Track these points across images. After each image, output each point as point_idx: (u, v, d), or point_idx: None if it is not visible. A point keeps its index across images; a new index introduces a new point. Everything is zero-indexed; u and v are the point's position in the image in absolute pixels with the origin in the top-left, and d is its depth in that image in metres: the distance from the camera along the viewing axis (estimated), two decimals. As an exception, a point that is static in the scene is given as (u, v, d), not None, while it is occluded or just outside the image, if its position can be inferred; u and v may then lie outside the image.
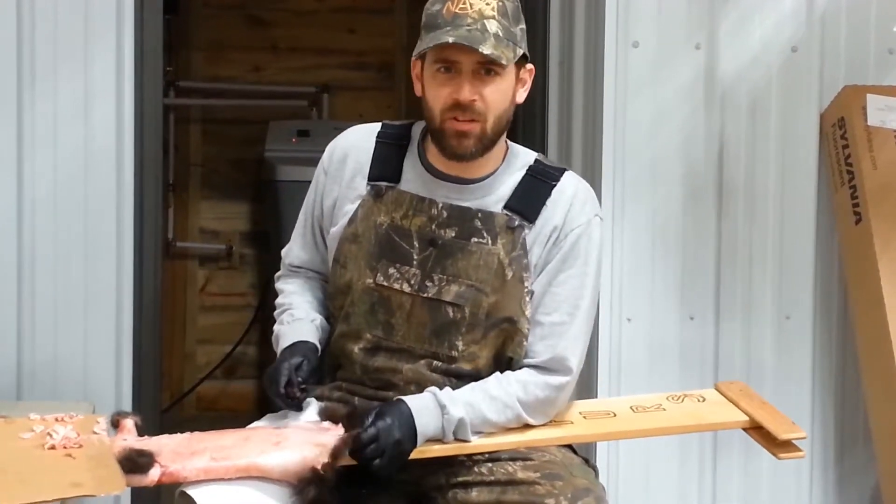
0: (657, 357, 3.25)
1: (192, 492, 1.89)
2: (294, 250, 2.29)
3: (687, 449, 3.26)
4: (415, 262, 2.09)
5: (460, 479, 2.04)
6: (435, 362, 2.09)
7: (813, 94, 3.33)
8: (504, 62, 1.97)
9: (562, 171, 2.15)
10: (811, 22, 3.32)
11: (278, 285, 2.31)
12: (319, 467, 1.92)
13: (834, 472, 3.36)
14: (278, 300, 2.27)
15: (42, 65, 3.07)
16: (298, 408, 2.06)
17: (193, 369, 5.11)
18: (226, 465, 1.90)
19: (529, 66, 2.10)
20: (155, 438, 1.97)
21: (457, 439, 2.04)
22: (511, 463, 2.04)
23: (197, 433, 2.00)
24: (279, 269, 2.33)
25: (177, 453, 1.92)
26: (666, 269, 3.28)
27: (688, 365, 3.27)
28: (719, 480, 3.31)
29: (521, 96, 2.10)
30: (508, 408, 2.07)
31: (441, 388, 2.06)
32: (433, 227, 2.09)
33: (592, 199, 2.16)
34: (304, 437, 1.96)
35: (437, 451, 2.03)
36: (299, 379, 2.04)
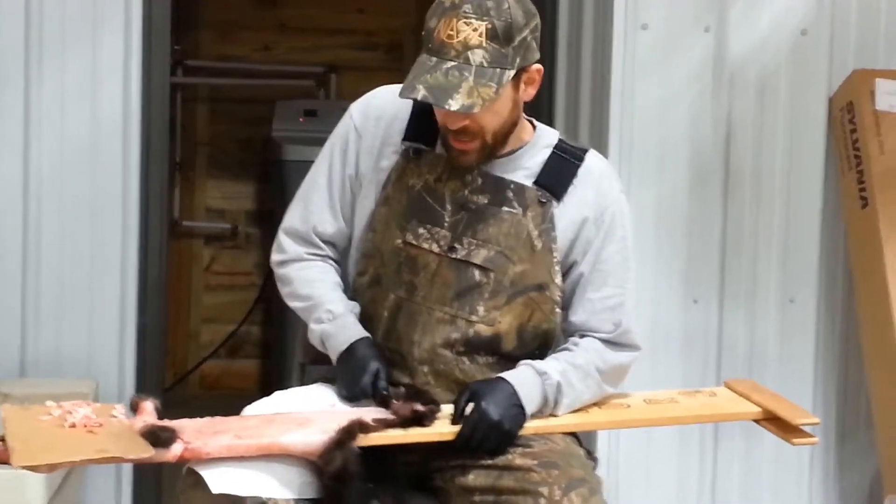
0: (661, 341, 3.25)
1: (201, 470, 1.88)
2: (318, 215, 2.17)
3: (687, 435, 3.27)
4: (446, 224, 2.09)
5: (460, 461, 2.05)
6: (453, 335, 2.09)
7: (822, 77, 3.32)
8: (476, 110, 1.96)
9: (585, 151, 2.18)
10: (821, 5, 3.31)
11: (287, 272, 2.21)
12: (370, 421, 1.93)
13: (834, 457, 3.37)
14: (296, 289, 2.18)
15: (50, 43, 3.08)
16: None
17: (197, 348, 5.12)
18: (248, 442, 1.89)
19: (536, 66, 2.06)
20: (176, 420, 1.95)
21: (556, 405, 2.07)
22: (512, 449, 2.04)
23: (219, 417, 1.98)
24: (274, 249, 2.24)
25: (199, 432, 1.91)
26: (671, 252, 3.28)
27: (691, 348, 3.28)
28: (720, 466, 3.32)
29: (530, 94, 2.09)
30: (590, 376, 2.11)
31: (458, 369, 2.09)
32: (466, 192, 2.10)
33: (615, 176, 2.21)
34: (332, 419, 1.95)
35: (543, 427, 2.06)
36: (384, 393, 2.04)
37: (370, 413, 1.99)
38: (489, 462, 2.02)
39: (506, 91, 2.00)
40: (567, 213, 2.12)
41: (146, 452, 1.82)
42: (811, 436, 2.20)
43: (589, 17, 3.38)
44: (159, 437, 1.86)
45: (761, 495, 3.34)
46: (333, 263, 2.22)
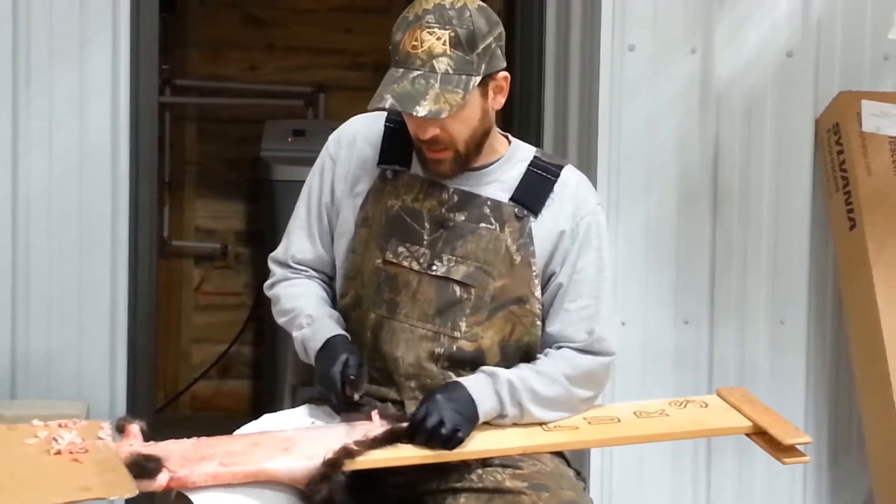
0: (651, 361, 3.26)
1: (191, 495, 1.88)
2: (297, 244, 2.24)
3: (681, 454, 3.27)
4: (425, 242, 2.12)
5: (451, 484, 2.05)
6: (437, 349, 2.10)
7: (808, 99, 3.34)
8: (444, 115, 1.99)
9: (561, 167, 2.20)
10: (807, 27, 3.32)
11: (276, 291, 2.26)
12: (352, 445, 1.93)
13: (827, 477, 3.37)
14: (282, 306, 2.23)
15: (38, 62, 3.08)
16: (357, 408, 2.07)
17: (188, 368, 5.11)
18: (234, 470, 1.89)
19: (502, 73, 2.09)
20: (162, 444, 1.96)
21: (514, 405, 2.08)
22: (501, 470, 2.04)
23: (204, 438, 1.99)
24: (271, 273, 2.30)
25: (185, 458, 1.91)
26: (660, 273, 3.28)
27: (682, 369, 3.28)
28: (713, 485, 3.32)
29: (500, 102, 2.12)
30: (556, 382, 2.12)
31: (442, 381, 2.10)
32: (443, 210, 2.13)
33: (592, 189, 2.24)
34: (314, 442, 1.95)
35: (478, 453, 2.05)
36: (352, 377, 2.04)
37: (350, 433, 1.99)
38: (480, 485, 2.03)
39: (473, 98, 2.04)
40: (544, 226, 2.15)
41: (130, 491, 1.81)
42: (803, 454, 2.19)
43: (576, 38, 3.39)
44: (144, 469, 1.86)
45: (755, 515, 3.35)
46: (318, 281, 2.25)
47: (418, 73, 2.00)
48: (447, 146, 2.07)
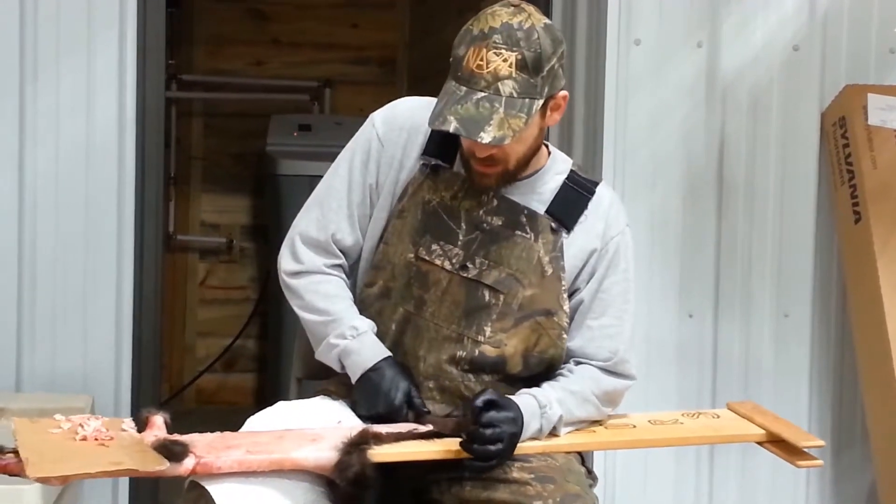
0: (656, 354, 3.26)
1: (207, 484, 1.88)
2: (337, 224, 2.14)
3: (683, 451, 3.26)
4: (459, 243, 2.10)
5: (456, 473, 2.05)
6: (459, 352, 2.09)
7: (814, 92, 3.33)
8: (507, 142, 1.97)
9: (596, 184, 2.20)
10: (813, 21, 3.32)
11: (304, 283, 2.15)
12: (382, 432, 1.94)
13: (831, 469, 3.37)
14: (314, 303, 2.13)
15: (44, 58, 3.08)
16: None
17: (193, 362, 5.12)
18: (260, 458, 1.89)
19: (563, 93, 2.06)
20: (187, 435, 1.95)
21: (548, 434, 2.08)
22: (510, 462, 2.04)
23: (229, 432, 1.98)
24: (287, 256, 2.18)
25: (211, 446, 1.90)
26: (665, 267, 3.28)
27: (686, 362, 3.28)
28: (716, 482, 3.32)
29: (555, 119, 2.10)
30: (588, 401, 2.12)
31: (463, 385, 2.09)
32: (482, 212, 2.11)
33: (623, 210, 2.23)
34: (342, 436, 1.94)
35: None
36: (425, 410, 2.05)
37: (380, 427, 1.99)
38: (486, 475, 2.03)
39: (533, 120, 2.01)
40: (576, 242, 2.14)
41: (161, 465, 1.81)
42: (815, 458, 2.21)
43: (582, 32, 3.39)
44: (172, 451, 1.85)
45: (758, 511, 3.35)
46: (346, 277, 2.19)
47: (482, 94, 1.96)
48: (499, 163, 2.06)
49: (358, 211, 2.16)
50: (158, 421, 1.96)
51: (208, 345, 5.11)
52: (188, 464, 1.86)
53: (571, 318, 2.15)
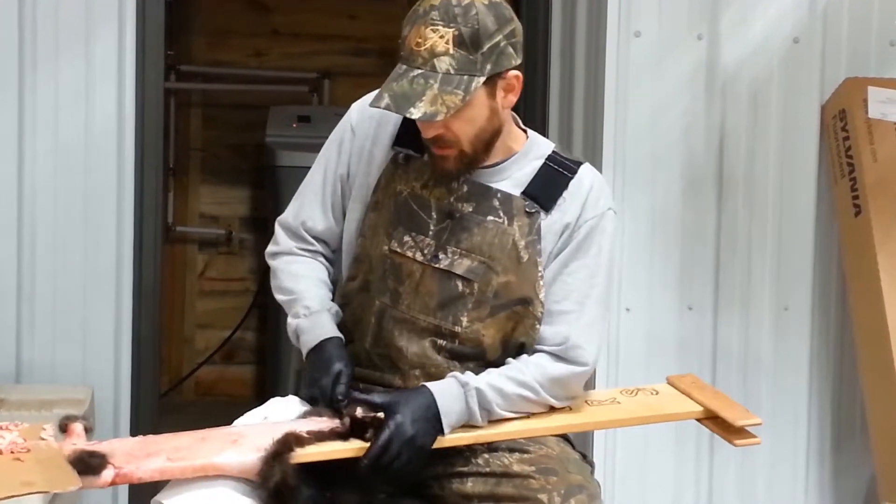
0: (655, 347, 3.26)
1: (168, 502, 1.87)
2: (308, 211, 2.18)
3: (684, 439, 3.27)
4: (430, 233, 2.09)
5: (457, 469, 2.04)
6: (439, 340, 2.08)
7: (814, 85, 3.33)
8: (439, 118, 1.94)
9: (579, 164, 2.15)
10: (813, 14, 3.32)
11: (277, 263, 2.20)
12: (290, 436, 1.90)
13: (830, 463, 3.37)
14: (282, 283, 2.19)
15: (43, 49, 3.08)
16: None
17: (192, 354, 5.12)
18: (182, 465, 1.86)
19: (514, 72, 2.03)
20: (106, 442, 1.92)
21: (483, 414, 2.03)
22: (508, 455, 2.04)
23: (150, 436, 1.95)
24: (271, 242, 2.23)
25: (131, 455, 1.87)
26: (665, 260, 3.28)
27: (686, 355, 3.28)
28: (716, 472, 3.32)
29: (510, 101, 2.06)
30: (526, 387, 2.06)
31: (447, 371, 2.07)
32: (452, 199, 2.09)
33: (607, 193, 2.17)
34: (264, 435, 1.91)
35: (452, 440, 2.01)
36: (340, 398, 2.01)
37: (305, 424, 1.95)
38: (487, 470, 2.03)
39: (478, 98, 1.99)
40: (552, 226, 2.10)
41: (73, 485, 1.77)
42: (754, 436, 2.16)
43: (582, 24, 3.38)
44: (89, 464, 1.82)
45: (757, 500, 3.34)
46: (323, 261, 2.22)
47: (419, 71, 1.95)
48: (452, 145, 2.03)
49: (332, 199, 2.18)
50: (78, 429, 1.93)
51: (207, 337, 5.11)
52: (106, 476, 1.83)
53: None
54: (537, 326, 2.10)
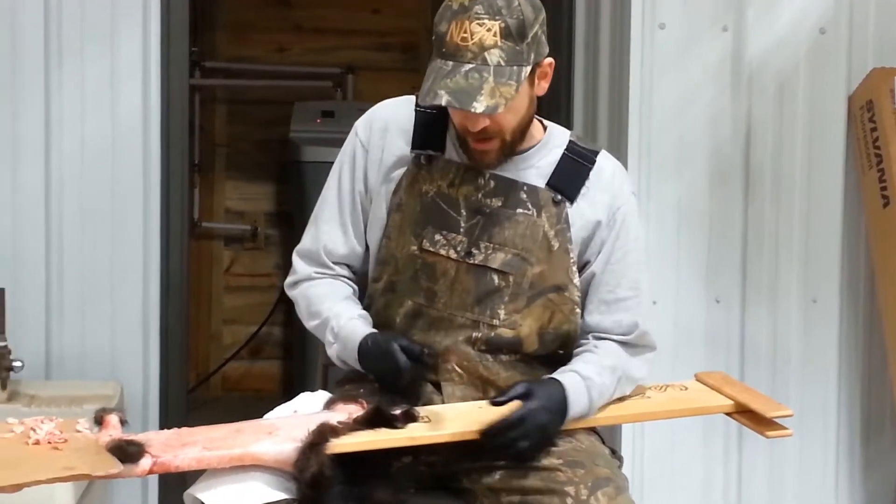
0: (683, 340, 3.25)
1: (200, 495, 1.88)
2: (328, 235, 2.17)
3: (712, 433, 3.26)
4: (462, 230, 2.10)
5: (485, 462, 2.05)
6: (475, 334, 2.10)
7: (841, 76, 3.31)
8: (500, 110, 1.96)
9: (596, 153, 2.18)
10: (839, 4, 3.30)
11: (300, 292, 2.20)
12: (337, 423, 1.91)
13: (860, 455, 3.36)
14: (311, 307, 2.17)
15: (69, 46, 3.09)
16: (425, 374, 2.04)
17: (219, 349, 5.14)
18: (219, 454, 1.86)
19: (548, 59, 2.07)
20: (143, 433, 1.93)
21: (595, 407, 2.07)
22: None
23: (185, 428, 1.96)
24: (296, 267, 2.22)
25: (167, 445, 1.88)
26: (692, 252, 3.27)
27: (713, 348, 3.27)
28: (745, 465, 3.31)
29: (543, 88, 2.09)
30: (616, 376, 2.11)
31: (481, 365, 2.09)
32: (480, 195, 2.11)
33: (627, 177, 2.21)
34: (299, 427, 1.92)
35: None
36: (425, 351, 2.02)
37: (336, 415, 1.96)
38: (514, 463, 2.02)
39: (522, 88, 2.01)
40: (581, 213, 2.12)
41: (114, 468, 1.78)
42: (785, 428, 2.17)
43: (606, 16, 3.37)
44: (126, 452, 1.83)
45: (786, 495, 3.33)
46: (347, 282, 2.21)
47: (470, 66, 1.96)
48: (495, 136, 2.05)
49: (351, 218, 2.18)
50: (114, 420, 1.93)
51: (234, 332, 5.13)
52: (144, 464, 1.84)
53: (585, 293, 2.14)
54: (577, 311, 2.13)
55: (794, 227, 3.30)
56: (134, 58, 3.12)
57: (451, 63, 1.97)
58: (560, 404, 2.02)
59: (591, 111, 3.46)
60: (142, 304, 3.15)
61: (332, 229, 2.18)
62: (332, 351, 2.14)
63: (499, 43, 1.96)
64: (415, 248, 2.10)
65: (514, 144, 2.08)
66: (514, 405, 1.99)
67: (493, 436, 1.97)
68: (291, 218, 4.92)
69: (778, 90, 3.30)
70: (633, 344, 2.15)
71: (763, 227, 3.30)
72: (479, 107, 1.94)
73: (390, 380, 2.05)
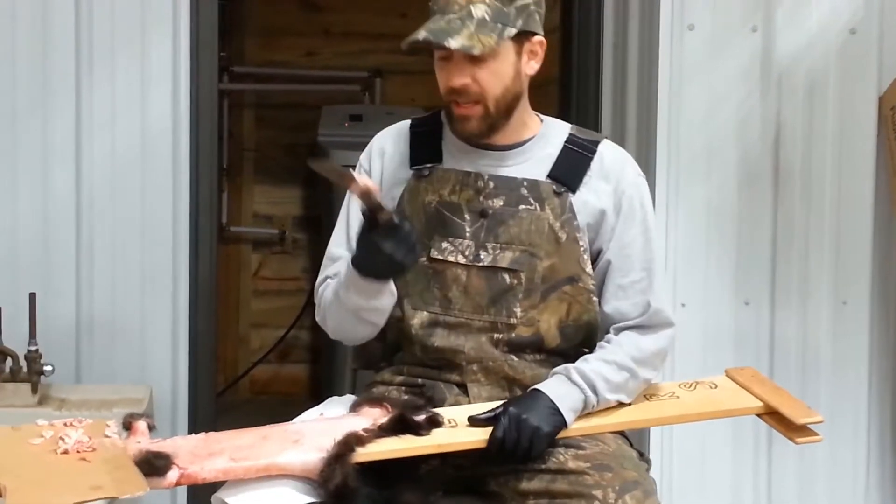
0: (712, 343, 3.24)
1: (230, 499, 1.88)
2: (339, 252, 2.20)
3: (742, 437, 3.25)
4: (467, 234, 2.12)
5: (514, 465, 2.04)
6: (495, 335, 2.11)
7: (871, 77, 3.29)
8: (476, 52, 1.98)
9: (597, 143, 2.19)
10: (870, 4, 3.28)
11: (317, 298, 2.23)
12: (362, 430, 1.92)
13: (891, 461, 3.33)
14: (326, 300, 2.17)
15: (100, 51, 3.11)
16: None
17: (247, 353, 5.16)
18: (245, 465, 1.88)
19: (538, 38, 2.09)
20: (170, 440, 1.94)
21: (590, 391, 2.05)
22: (564, 451, 2.04)
23: (213, 434, 1.97)
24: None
25: (194, 454, 1.89)
26: (721, 254, 3.26)
27: (743, 351, 3.26)
28: (775, 470, 3.29)
29: (533, 68, 2.11)
30: (624, 369, 2.10)
31: (507, 365, 2.10)
32: (481, 198, 2.13)
33: (630, 161, 2.21)
34: (324, 434, 1.93)
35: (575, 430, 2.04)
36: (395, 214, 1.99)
37: (361, 421, 1.97)
38: (542, 466, 2.02)
39: (506, 52, 2.04)
40: (584, 202, 2.13)
41: (140, 489, 1.78)
42: (815, 434, 2.15)
43: (635, 18, 3.37)
44: (154, 465, 1.84)
45: (817, 499, 3.31)
46: None
47: (454, 15, 2.01)
48: (477, 99, 2.06)
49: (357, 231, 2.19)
50: (142, 426, 1.95)
51: (262, 336, 5.15)
52: (172, 476, 1.85)
53: (601, 282, 2.15)
54: (594, 299, 2.14)
55: (824, 229, 3.29)
56: (164, 63, 3.13)
57: (437, 14, 2.03)
58: (542, 401, 2.01)
59: (619, 113, 3.46)
60: (171, 309, 3.17)
61: (339, 245, 2.21)
62: (342, 294, 2.09)
63: (487, 0, 2.01)
64: (423, 259, 2.12)
65: (497, 116, 2.09)
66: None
67: (496, 454, 1.97)
68: (319, 222, 4.93)
69: (808, 91, 3.28)
70: (647, 325, 2.15)
71: (793, 229, 3.28)
72: (453, 43, 1.98)
73: (385, 260, 1.99)
